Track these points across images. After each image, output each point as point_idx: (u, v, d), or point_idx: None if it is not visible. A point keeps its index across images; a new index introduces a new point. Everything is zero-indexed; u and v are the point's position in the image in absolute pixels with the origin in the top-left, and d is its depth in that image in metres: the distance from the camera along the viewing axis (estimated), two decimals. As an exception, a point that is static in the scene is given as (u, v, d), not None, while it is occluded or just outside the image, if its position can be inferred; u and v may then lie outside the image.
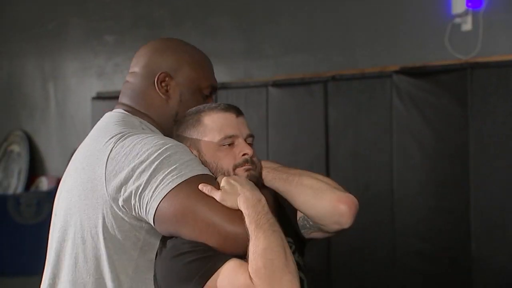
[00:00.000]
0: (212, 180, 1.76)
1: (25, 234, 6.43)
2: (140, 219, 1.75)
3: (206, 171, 1.77)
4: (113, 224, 1.76)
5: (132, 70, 2.02)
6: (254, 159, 1.84)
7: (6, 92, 7.99)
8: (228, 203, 1.69)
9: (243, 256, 1.66)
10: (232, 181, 1.73)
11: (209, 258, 1.66)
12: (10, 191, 7.42)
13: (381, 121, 4.69)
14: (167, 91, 1.95)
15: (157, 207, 1.69)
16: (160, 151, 1.73)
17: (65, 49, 7.29)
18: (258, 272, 1.60)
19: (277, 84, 5.25)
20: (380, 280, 4.68)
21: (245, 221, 1.66)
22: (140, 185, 1.70)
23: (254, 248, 1.62)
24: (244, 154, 1.82)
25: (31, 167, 7.41)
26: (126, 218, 1.76)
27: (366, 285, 4.76)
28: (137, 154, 1.73)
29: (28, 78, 7.73)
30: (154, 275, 1.78)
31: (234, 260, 1.66)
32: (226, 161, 1.81)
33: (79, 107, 7.06)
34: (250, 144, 1.85)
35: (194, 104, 1.94)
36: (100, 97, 6.63)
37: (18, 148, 7.60)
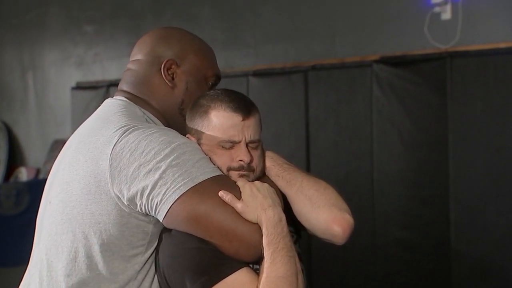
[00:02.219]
0: (226, 181, 1.74)
1: (4, 225, 6.39)
2: (147, 214, 1.72)
3: (217, 171, 1.74)
4: (120, 221, 1.71)
5: (134, 58, 1.96)
6: (253, 164, 1.81)
7: (-15, 83, 7.93)
8: (248, 216, 1.67)
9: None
10: (254, 191, 1.71)
11: (218, 262, 1.65)
12: (-11, 182, 7.38)
13: (361, 110, 4.71)
14: (173, 78, 1.91)
15: (167, 211, 1.66)
16: (167, 150, 1.68)
17: (44, 39, 7.24)
18: None
19: (257, 74, 5.25)
20: (361, 268, 4.71)
21: (262, 235, 1.66)
22: (147, 186, 1.66)
23: (268, 272, 1.63)
24: (240, 160, 1.79)
25: (10, 157, 7.37)
26: (132, 215, 1.71)
27: (346, 272, 4.79)
28: (143, 151, 1.68)
29: (7, 68, 7.68)
30: (155, 260, 1.76)
31: (245, 272, 1.66)
32: (222, 160, 1.78)
33: (58, 97, 7.03)
34: (253, 149, 1.82)
35: (200, 93, 1.91)
36: (79, 87, 6.60)
37: (-3, 139, 7.55)
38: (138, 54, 1.96)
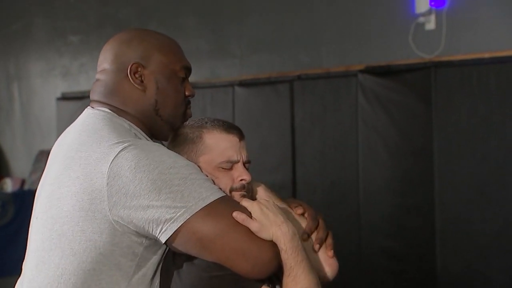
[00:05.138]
0: (234, 201, 1.75)
1: (-10, 236, 6.36)
2: (141, 235, 1.69)
3: (222, 192, 1.73)
4: (111, 240, 1.68)
5: (101, 68, 1.94)
6: (249, 185, 1.84)
7: (-30, 93, 7.90)
8: (264, 234, 1.67)
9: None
10: (264, 210, 1.71)
11: (241, 285, 1.66)
12: (-26, 193, 7.34)
13: (347, 120, 4.73)
14: (142, 81, 1.87)
15: (176, 230, 1.64)
16: (172, 170, 1.67)
17: (30, 49, 7.22)
18: None
19: (243, 84, 5.26)
20: (346, 277, 4.71)
21: (276, 249, 1.67)
22: (152, 204, 1.63)
23: (293, 286, 1.66)
24: (242, 179, 1.81)
25: (-4, 168, 7.34)
26: (125, 235, 1.68)
27: (332, 281, 4.78)
28: (145, 170, 1.65)
29: (-8, 78, 7.65)
30: None
31: None
32: (223, 182, 1.79)
33: (44, 108, 7.01)
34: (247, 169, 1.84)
35: (173, 90, 1.89)
36: (65, 97, 6.59)
37: (-18, 150, 7.52)
38: (104, 63, 1.94)
